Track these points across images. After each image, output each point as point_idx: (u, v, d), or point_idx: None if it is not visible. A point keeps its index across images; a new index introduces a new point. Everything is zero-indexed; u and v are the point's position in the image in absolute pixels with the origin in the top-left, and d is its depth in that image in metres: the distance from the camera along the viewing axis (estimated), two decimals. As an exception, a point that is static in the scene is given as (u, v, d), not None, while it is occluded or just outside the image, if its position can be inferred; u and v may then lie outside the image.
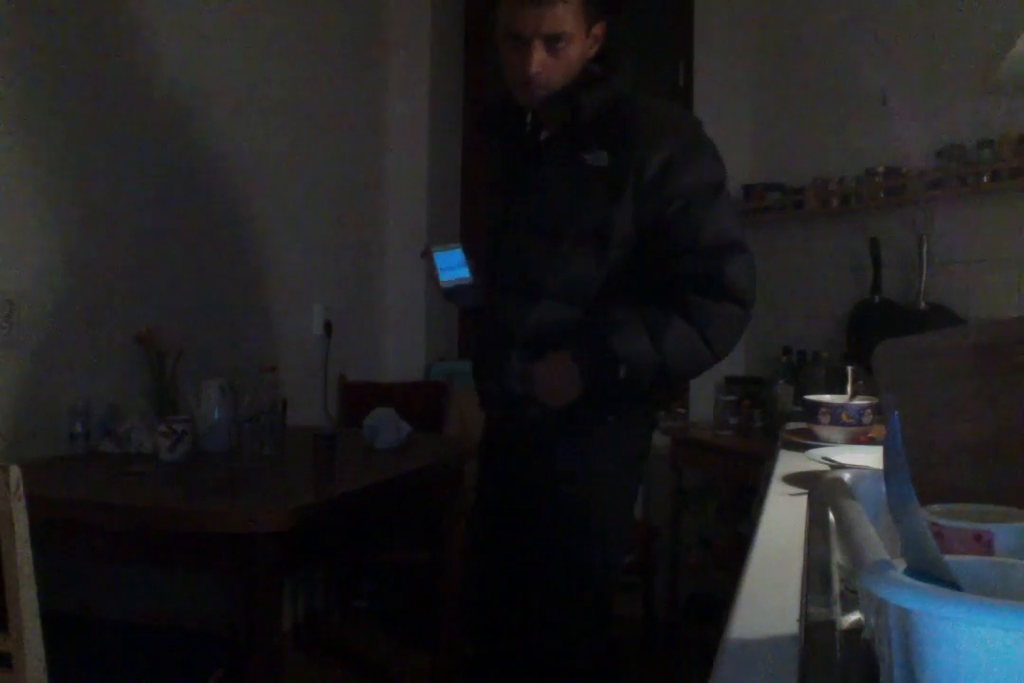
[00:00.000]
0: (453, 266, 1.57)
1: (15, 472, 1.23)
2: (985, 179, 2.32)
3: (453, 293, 1.62)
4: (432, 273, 1.57)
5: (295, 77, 2.94)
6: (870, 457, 1.26)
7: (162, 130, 2.39)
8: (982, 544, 0.65)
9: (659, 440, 3.09)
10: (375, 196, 3.47)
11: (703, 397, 3.12)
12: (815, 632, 0.68)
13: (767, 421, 2.69)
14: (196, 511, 1.63)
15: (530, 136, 1.67)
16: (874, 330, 2.48)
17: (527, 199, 1.60)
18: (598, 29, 1.56)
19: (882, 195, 2.60)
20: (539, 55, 1.49)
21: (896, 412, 0.58)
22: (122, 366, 2.24)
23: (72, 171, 2.12)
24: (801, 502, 1.16)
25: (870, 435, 1.61)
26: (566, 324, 1.53)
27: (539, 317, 1.55)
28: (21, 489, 1.23)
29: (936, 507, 0.69)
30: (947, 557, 0.51)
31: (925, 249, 2.43)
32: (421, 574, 2.59)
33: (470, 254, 1.60)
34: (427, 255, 1.59)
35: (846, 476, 0.85)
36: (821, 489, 0.90)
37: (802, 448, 1.48)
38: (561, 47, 1.50)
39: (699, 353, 1.50)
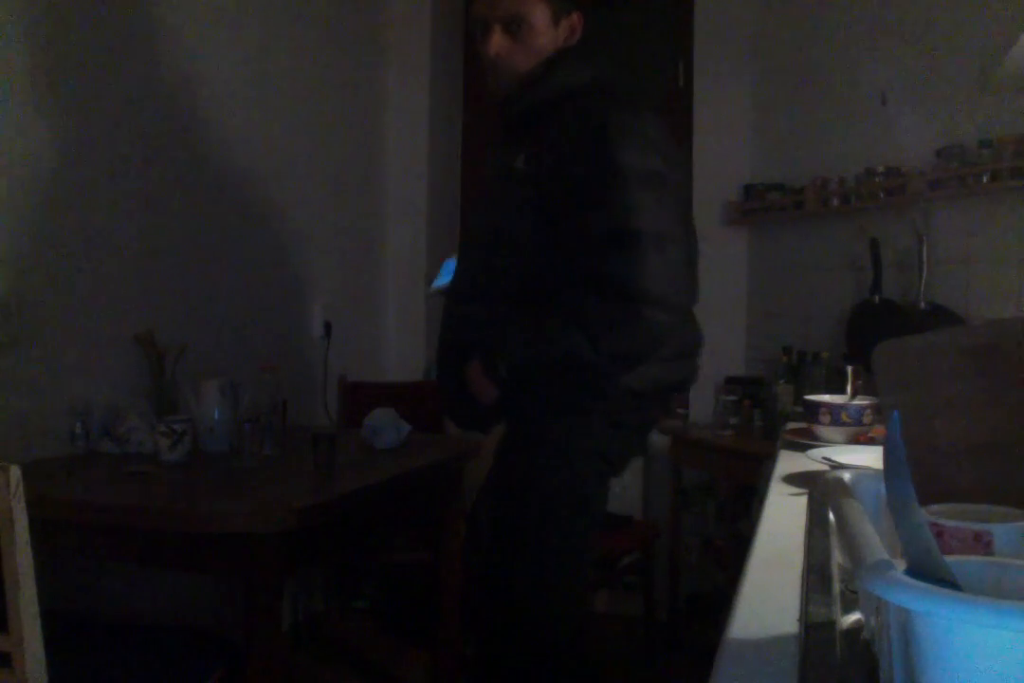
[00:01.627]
0: (445, 274, 1.72)
1: (15, 472, 1.23)
2: (985, 179, 2.31)
3: (434, 299, 1.83)
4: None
5: (295, 78, 2.94)
6: (870, 457, 1.26)
7: (162, 131, 2.39)
8: (982, 544, 0.65)
9: (659, 440, 3.10)
10: (375, 196, 3.47)
11: (703, 397, 3.12)
12: (815, 632, 0.68)
13: (767, 421, 2.69)
14: (196, 511, 1.63)
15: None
16: (874, 330, 2.48)
17: (473, 214, 1.70)
18: (570, 20, 1.55)
19: (882, 195, 2.60)
20: (497, 38, 1.49)
21: (896, 412, 0.58)
22: (122, 366, 2.24)
23: (72, 171, 2.12)
24: (801, 502, 1.16)
25: (870, 435, 1.61)
26: (480, 326, 1.55)
27: (468, 319, 1.58)
28: (21, 489, 1.23)
29: (936, 507, 0.69)
30: (947, 557, 0.51)
31: (925, 249, 2.43)
32: (421, 574, 2.59)
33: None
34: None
35: (846, 476, 0.85)
36: (821, 489, 0.90)
37: (802, 448, 1.48)
38: (522, 32, 1.49)
39: (578, 343, 1.45)
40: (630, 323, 1.44)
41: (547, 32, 1.52)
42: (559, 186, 1.44)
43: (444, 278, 1.70)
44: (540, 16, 1.50)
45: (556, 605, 1.60)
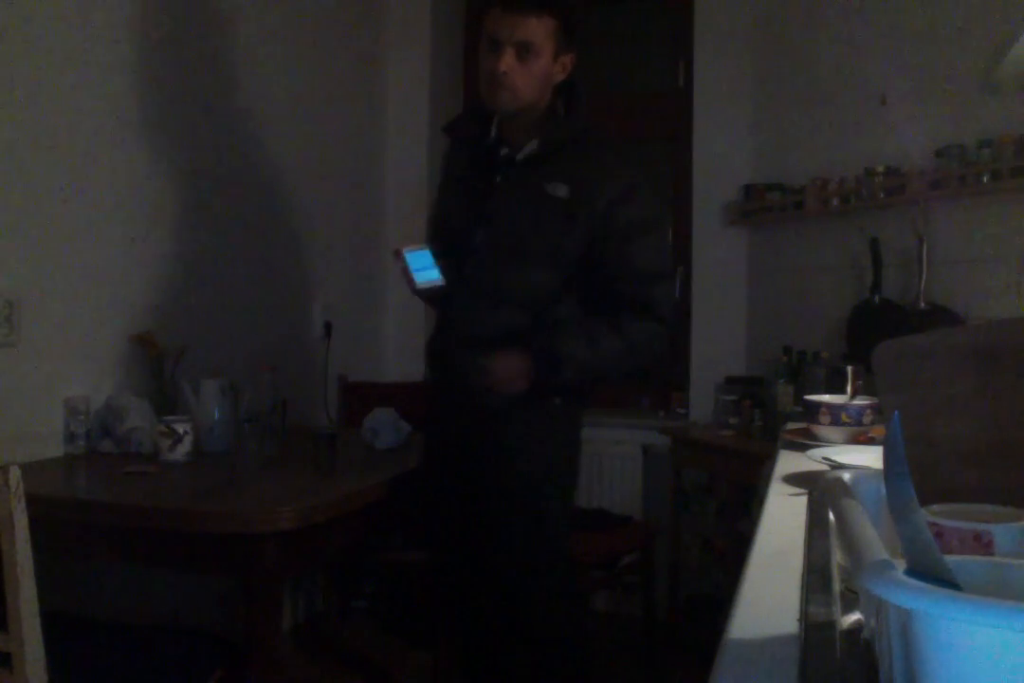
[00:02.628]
0: (425, 267, 1.74)
1: (15, 472, 1.23)
2: (985, 179, 2.31)
3: (424, 293, 1.81)
4: (406, 273, 1.74)
5: (294, 78, 2.94)
6: (870, 457, 1.26)
7: (161, 132, 2.39)
8: (982, 544, 0.65)
9: (659, 440, 3.10)
10: (375, 196, 3.47)
11: (703, 397, 3.12)
12: (815, 632, 0.68)
13: (767, 421, 2.69)
14: (196, 511, 1.63)
15: (491, 147, 1.86)
16: (874, 330, 2.48)
17: (493, 219, 1.81)
18: (566, 59, 1.78)
19: (882, 195, 2.60)
20: (509, 58, 1.71)
21: (896, 412, 0.58)
22: (122, 366, 2.24)
23: (72, 171, 2.12)
24: (801, 502, 1.16)
25: (870, 435, 1.61)
26: (520, 327, 1.80)
27: (500, 320, 1.81)
28: (21, 489, 1.23)
29: (936, 507, 0.69)
30: (947, 557, 0.51)
31: (925, 249, 2.42)
32: (421, 574, 2.58)
33: (438, 256, 1.76)
34: (398, 256, 1.75)
35: (846, 476, 0.85)
36: (821, 489, 0.90)
37: (802, 448, 1.48)
38: (530, 58, 1.72)
39: (625, 360, 1.84)
40: (660, 339, 1.83)
41: (549, 64, 1.75)
42: (603, 223, 1.77)
43: (426, 272, 1.73)
44: (548, 49, 1.73)
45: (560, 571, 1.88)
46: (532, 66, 1.72)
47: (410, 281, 1.75)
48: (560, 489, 1.89)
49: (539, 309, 1.80)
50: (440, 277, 1.75)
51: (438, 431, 2.00)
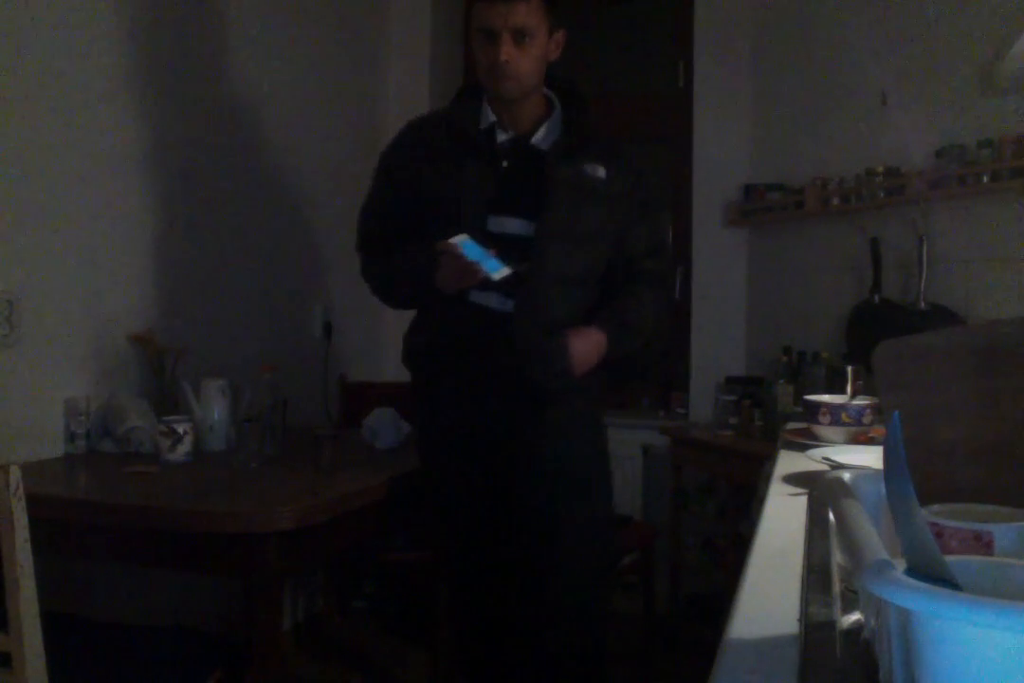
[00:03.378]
0: (484, 258, 1.66)
1: (15, 472, 1.23)
2: (985, 179, 2.31)
3: (499, 285, 1.72)
4: (468, 268, 1.66)
5: (293, 73, 2.94)
6: (870, 457, 1.26)
7: (162, 131, 2.39)
8: (982, 544, 0.65)
9: (659, 440, 3.10)
10: (375, 196, 3.47)
11: (703, 397, 3.12)
12: (815, 632, 0.68)
13: (767, 421, 2.68)
14: (196, 511, 1.63)
15: (486, 132, 1.84)
16: (874, 330, 2.48)
17: (550, 204, 1.79)
18: (559, 36, 1.80)
19: (882, 195, 2.60)
20: (507, 46, 1.71)
21: (896, 412, 0.58)
22: (122, 366, 2.23)
23: (72, 171, 2.12)
24: (801, 502, 1.16)
25: (870, 435, 1.61)
26: (589, 307, 1.86)
27: (570, 301, 1.84)
28: (21, 489, 1.23)
29: (936, 507, 0.69)
30: (947, 557, 0.51)
31: (925, 249, 2.42)
32: (421, 574, 2.58)
33: (484, 244, 1.69)
34: (450, 250, 1.67)
35: (846, 476, 0.85)
36: (821, 489, 0.90)
37: (802, 448, 1.48)
38: (527, 42, 1.73)
39: (654, 330, 1.94)
40: (669, 310, 2.09)
41: (544, 45, 1.77)
42: (627, 202, 1.87)
43: (491, 263, 1.66)
44: (542, 29, 1.75)
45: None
46: (531, 50, 1.74)
47: (475, 274, 1.67)
48: (609, 475, 1.95)
49: (591, 288, 1.88)
50: (505, 266, 1.68)
51: (458, 426, 1.89)
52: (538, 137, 1.83)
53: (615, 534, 2.12)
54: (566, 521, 1.81)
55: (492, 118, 1.83)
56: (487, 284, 1.70)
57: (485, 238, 1.73)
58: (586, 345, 1.80)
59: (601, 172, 1.84)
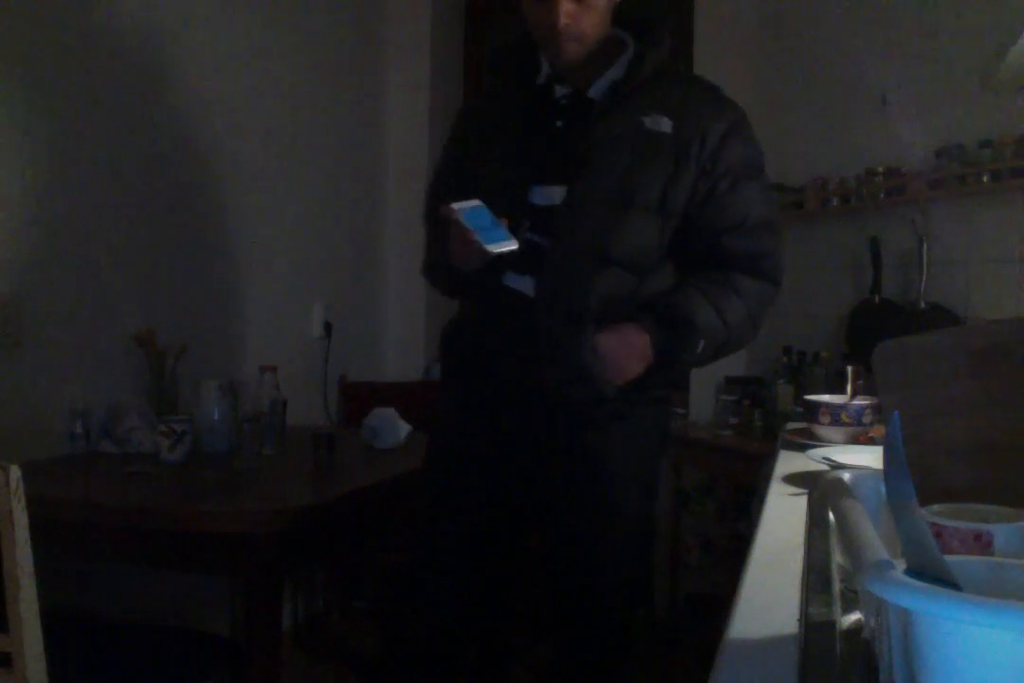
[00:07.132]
0: (487, 227, 1.38)
1: (15, 472, 1.22)
2: (985, 179, 2.31)
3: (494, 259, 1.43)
4: (465, 237, 1.37)
5: (293, 74, 2.94)
6: (870, 457, 1.26)
7: (162, 131, 2.39)
8: (982, 544, 0.65)
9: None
10: (375, 195, 3.47)
11: (703, 397, 3.12)
12: (815, 632, 0.68)
13: (767, 421, 2.69)
14: (196, 511, 1.63)
15: (543, 87, 1.57)
16: (874, 330, 2.48)
17: (589, 165, 1.48)
18: None
19: (882, 195, 2.60)
20: (566, 5, 1.42)
21: (896, 412, 0.58)
22: (122, 366, 2.23)
23: (72, 171, 2.12)
24: (801, 502, 1.16)
25: (870, 435, 1.61)
26: (626, 294, 1.48)
27: (604, 286, 1.47)
28: (21, 489, 1.23)
29: (936, 507, 0.69)
30: (947, 557, 0.51)
31: (925, 249, 2.42)
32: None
33: (497, 213, 1.40)
34: (450, 214, 1.38)
35: (846, 476, 0.85)
36: (821, 489, 0.90)
37: (802, 448, 1.48)
38: None
39: (747, 329, 1.55)
40: (771, 303, 1.57)
41: None
42: (712, 163, 1.49)
43: (492, 233, 1.37)
44: None
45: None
46: (593, 2, 1.44)
47: (472, 247, 1.37)
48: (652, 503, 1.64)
49: (646, 271, 1.50)
50: (512, 238, 1.38)
51: (474, 440, 1.59)
52: (597, 87, 1.52)
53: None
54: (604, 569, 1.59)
55: (548, 70, 1.56)
56: (499, 262, 1.42)
57: (526, 212, 1.47)
58: (620, 346, 1.44)
59: (665, 124, 1.48)
